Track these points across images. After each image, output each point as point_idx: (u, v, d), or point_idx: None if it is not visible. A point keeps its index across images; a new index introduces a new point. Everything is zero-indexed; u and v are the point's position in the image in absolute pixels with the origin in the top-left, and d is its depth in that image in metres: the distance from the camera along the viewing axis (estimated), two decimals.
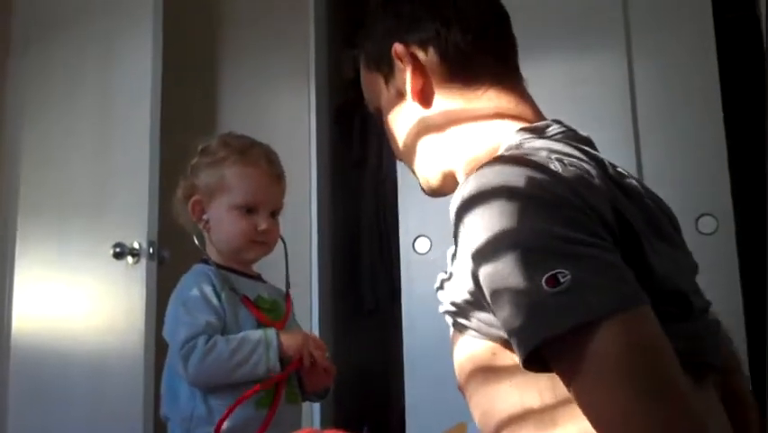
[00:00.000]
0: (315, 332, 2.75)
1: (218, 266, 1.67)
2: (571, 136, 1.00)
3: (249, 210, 1.66)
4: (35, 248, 2.86)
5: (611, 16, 2.81)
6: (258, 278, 1.76)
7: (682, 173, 2.66)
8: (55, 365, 2.69)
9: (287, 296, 1.78)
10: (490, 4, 1.14)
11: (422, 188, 1.19)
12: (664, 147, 2.69)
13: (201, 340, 1.52)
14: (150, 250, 2.55)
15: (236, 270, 1.70)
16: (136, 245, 2.55)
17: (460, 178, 1.08)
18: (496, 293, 0.80)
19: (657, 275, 0.84)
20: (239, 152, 1.69)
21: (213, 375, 1.53)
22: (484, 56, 1.08)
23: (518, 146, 0.95)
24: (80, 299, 2.72)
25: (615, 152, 2.71)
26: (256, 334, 1.55)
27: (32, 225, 2.88)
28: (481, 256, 0.81)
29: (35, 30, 3.00)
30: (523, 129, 0.99)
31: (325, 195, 3.10)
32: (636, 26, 2.78)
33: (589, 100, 2.77)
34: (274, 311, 1.71)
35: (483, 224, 0.81)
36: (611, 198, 0.84)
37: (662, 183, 2.65)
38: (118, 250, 2.55)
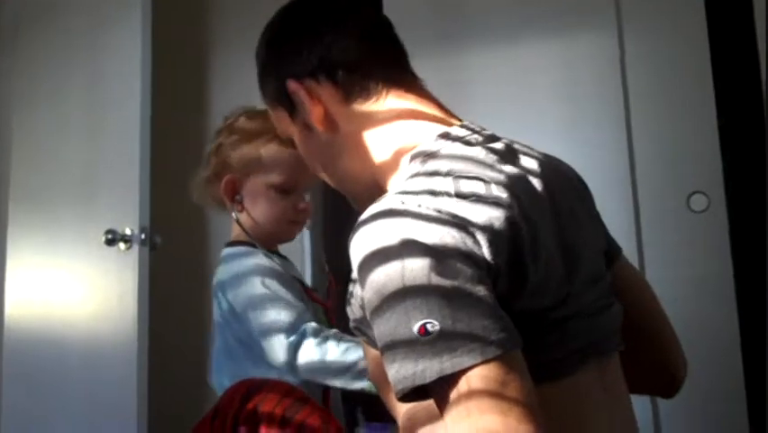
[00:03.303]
0: None
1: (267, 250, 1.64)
2: (475, 138, 1.01)
3: (286, 190, 1.63)
4: (27, 236, 2.85)
5: None
6: (283, 257, 1.74)
7: (674, 152, 2.66)
8: (48, 352, 2.69)
9: (328, 275, 1.78)
10: (366, 15, 1.15)
11: (352, 206, 1.19)
12: (656, 126, 2.69)
13: (309, 329, 1.48)
14: (143, 236, 2.54)
15: (272, 250, 1.68)
16: (128, 231, 2.54)
17: (385, 186, 1.08)
18: (380, 343, 0.83)
19: (534, 288, 0.88)
20: (273, 129, 1.66)
21: (316, 373, 1.48)
22: (372, 65, 1.09)
23: (424, 157, 0.97)
24: (72, 285, 2.71)
25: (606, 132, 2.75)
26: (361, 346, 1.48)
27: (24, 212, 2.87)
28: (373, 314, 0.84)
29: (24, 18, 2.98)
30: (430, 135, 1.01)
31: (318, 186, 3.09)
32: (627, 6, 2.78)
33: (581, 81, 2.78)
34: (314, 291, 1.71)
35: (376, 285, 0.83)
36: (505, 217, 0.87)
37: (653, 162, 2.68)
38: (110, 236, 2.54)
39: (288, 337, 1.47)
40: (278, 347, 1.47)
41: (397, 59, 1.13)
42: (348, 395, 1.58)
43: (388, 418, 1.03)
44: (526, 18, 2.88)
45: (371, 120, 1.07)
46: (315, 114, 1.08)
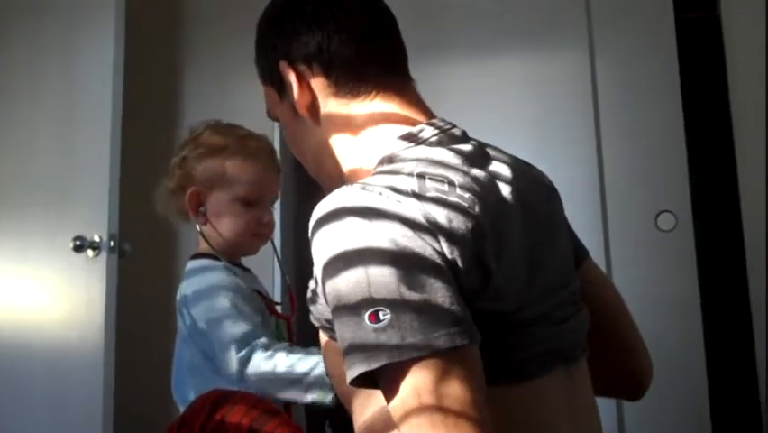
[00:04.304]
0: None
1: (228, 262, 1.64)
2: (444, 140, 1.02)
3: (250, 203, 1.64)
4: None
5: (574, 16, 2.84)
6: (246, 269, 1.74)
7: (642, 171, 2.70)
8: (14, 359, 2.66)
9: (288, 291, 1.77)
10: (372, 10, 1.13)
11: None
12: (625, 145, 2.73)
13: (260, 344, 1.48)
14: (111, 243, 2.53)
15: (234, 262, 1.68)
16: (97, 238, 2.53)
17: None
18: (335, 320, 0.84)
19: (495, 291, 0.88)
20: (239, 143, 1.66)
21: (266, 386, 1.47)
22: (368, 64, 1.08)
23: (391, 159, 0.98)
24: (40, 292, 2.68)
25: (576, 150, 2.78)
26: (316, 355, 1.48)
27: None
28: (330, 297, 0.85)
29: None
30: (401, 137, 1.01)
31: (290, 184, 3.09)
32: (599, 26, 2.82)
33: (552, 99, 2.80)
34: (277, 304, 1.71)
35: (337, 288, 0.84)
36: (467, 217, 0.87)
37: (622, 180, 2.71)
38: (78, 243, 2.52)
39: (239, 351, 1.48)
40: (230, 361, 1.48)
41: (393, 62, 1.12)
42: (316, 409, 1.58)
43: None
44: (501, 34, 2.91)
45: (353, 119, 1.07)
46: (301, 99, 1.08)
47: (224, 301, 1.54)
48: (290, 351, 1.49)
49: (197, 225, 1.68)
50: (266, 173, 1.67)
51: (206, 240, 1.66)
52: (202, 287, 1.59)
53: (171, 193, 1.70)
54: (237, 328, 1.50)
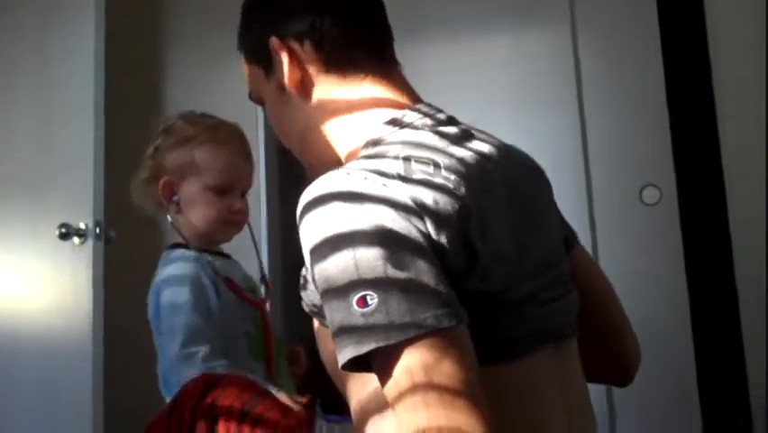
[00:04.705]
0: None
1: (199, 250, 1.64)
2: (428, 123, 1.02)
3: (221, 191, 1.64)
4: None
5: None
6: (225, 255, 1.74)
7: (626, 145, 2.71)
8: (1, 348, 2.65)
9: (262, 278, 1.77)
10: None
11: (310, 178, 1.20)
12: (609, 119, 2.74)
13: (201, 354, 1.48)
14: (97, 230, 2.52)
15: (209, 250, 1.68)
16: (82, 226, 2.52)
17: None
18: (324, 305, 0.85)
19: (482, 271, 0.89)
20: (209, 131, 1.66)
21: None
22: (359, 46, 1.08)
23: (376, 142, 0.99)
24: (26, 280, 2.68)
25: (559, 125, 2.78)
26: None
27: None
28: (319, 281, 0.85)
29: None
30: (386, 122, 1.02)
31: (273, 175, 3.08)
32: (581, 2, 2.81)
33: (535, 75, 2.81)
34: (252, 291, 1.71)
35: (326, 272, 0.84)
36: (453, 198, 0.88)
37: (606, 155, 2.72)
38: (64, 230, 2.51)
39: (184, 344, 1.48)
40: (173, 347, 1.49)
41: (381, 47, 1.12)
42: (306, 388, 1.58)
43: (345, 411, 1.04)
44: (483, 12, 2.90)
45: (340, 102, 1.07)
46: (291, 75, 1.08)
47: (186, 292, 1.55)
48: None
49: (168, 216, 1.68)
50: (236, 160, 1.67)
51: (177, 230, 1.67)
52: (171, 274, 1.60)
53: (145, 183, 1.70)
54: (191, 320, 1.51)
